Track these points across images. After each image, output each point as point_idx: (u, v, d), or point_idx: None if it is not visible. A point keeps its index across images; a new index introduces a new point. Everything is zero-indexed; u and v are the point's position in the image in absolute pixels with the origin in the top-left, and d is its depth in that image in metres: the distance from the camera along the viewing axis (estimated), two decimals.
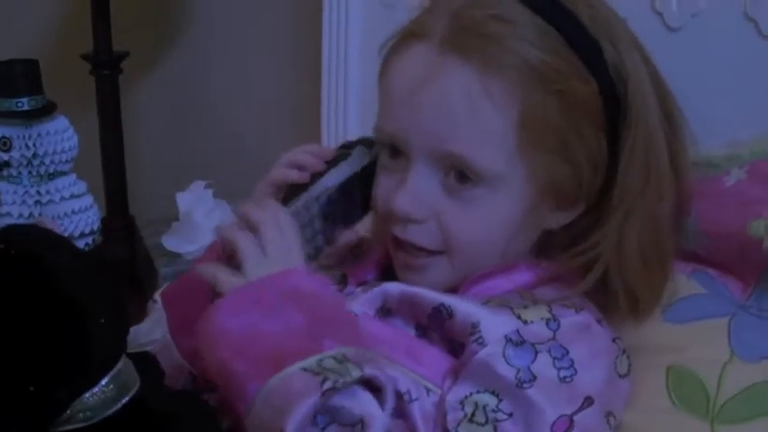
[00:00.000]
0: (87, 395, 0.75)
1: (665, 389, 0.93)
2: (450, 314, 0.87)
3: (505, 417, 0.82)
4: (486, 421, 0.82)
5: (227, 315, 0.81)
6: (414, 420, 0.84)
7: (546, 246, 0.94)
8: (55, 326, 0.72)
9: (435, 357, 0.87)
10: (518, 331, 0.85)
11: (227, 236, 0.87)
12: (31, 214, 1.61)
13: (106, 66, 1.75)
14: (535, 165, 0.88)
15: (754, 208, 0.96)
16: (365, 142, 0.98)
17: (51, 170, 1.63)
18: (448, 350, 0.87)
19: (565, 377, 0.84)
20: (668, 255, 0.93)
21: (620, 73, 0.89)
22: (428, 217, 0.89)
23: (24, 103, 1.59)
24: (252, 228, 0.86)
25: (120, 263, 1.76)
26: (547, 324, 0.86)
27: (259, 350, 0.80)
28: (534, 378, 0.82)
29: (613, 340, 0.90)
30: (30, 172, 1.62)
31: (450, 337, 0.87)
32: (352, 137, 1.09)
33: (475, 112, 0.85)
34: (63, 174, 1.65)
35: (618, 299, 0.91)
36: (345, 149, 0.98)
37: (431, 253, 0.91)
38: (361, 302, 0.91)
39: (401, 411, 0.84)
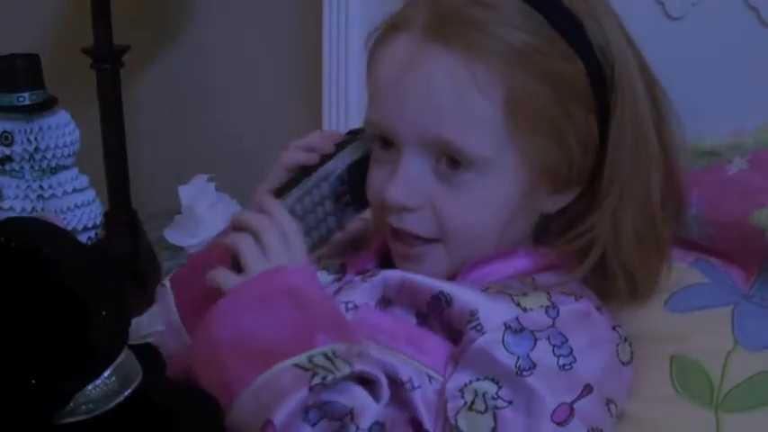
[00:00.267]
0: (90, 387, 0.75)
1: (668, 378, 0.93)
2: (449, 302, 0.87)
3: (505, 404, 0.82)
4: (486, 409, 0.82)
5: (223, 315, 0.83)
6: (416, 409, 0.84)
7: (543, 231, 0.94)
8: (56, 318, 0.72)
9: (436, 345, 0.87)
10: (517, 318, 0.85)
11: (231, 242, 0.88)
12: (33, 208, 1.61)
13: (107, 60, 1.75)
14: (526, 148, 0.88)
15: (756, 197, 0.96)
16: None
17: (53, 164, 1.63)
18: (448, 338, 0.88)
19: (564, 365, 0.84)
20: (663, 236, 0.93)
21: (605, 54, 0.89)
22: (422, 205, 0.90)
23: (26, 98, 1.59)
24: (253, 233, 0.87)
25: (123, 256, 1.76)
26: (546, 311, 0.86)
27: (251, 347, 0.81)
28: (534, 366, 0.83)
29: (613, 328, 0.90)
30: (32, 166, 1.62)
31: (450, 325, 0.87)
32: (353, 128, 1.09)
33: (461, 98, 0.86)
34: (65, 168, 1.65)
35: (616, 282, 0.91)
36: (354, 134, 0.98)
37: (427, 241, 0.91)
38: (361, 292, 0.91)
39: (403, 400, 0.84)
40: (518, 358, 0.83)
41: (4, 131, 1.59)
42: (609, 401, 0.87)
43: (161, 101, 2.00)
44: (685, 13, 1.13)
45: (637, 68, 0.91)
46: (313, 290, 0.86)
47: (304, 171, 0.95)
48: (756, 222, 0.95)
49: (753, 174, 0.99)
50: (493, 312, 0.85)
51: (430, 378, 0.85)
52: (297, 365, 0.79)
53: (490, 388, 0.83)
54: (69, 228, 1.59)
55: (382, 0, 1.40)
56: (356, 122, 1.46)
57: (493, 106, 0.86)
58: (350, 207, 0.97)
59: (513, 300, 0.86)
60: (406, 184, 0.89)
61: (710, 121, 1.02)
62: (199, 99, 1.96)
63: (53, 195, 1.63)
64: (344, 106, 1.50)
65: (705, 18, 1.12)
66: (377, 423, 0.79)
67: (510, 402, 0.82)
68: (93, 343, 0.74)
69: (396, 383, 0.84)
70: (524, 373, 0.82)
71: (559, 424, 0.82)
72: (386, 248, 0.96)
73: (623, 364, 0.90)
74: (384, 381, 0.82)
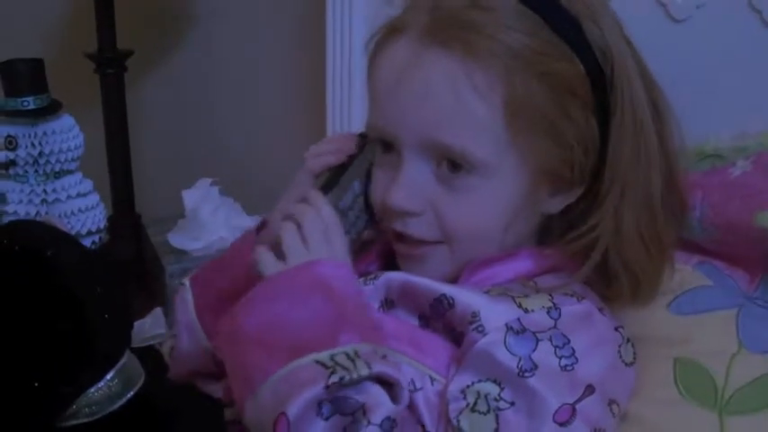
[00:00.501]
0: (92, 390, 0.75)
1: (672, 380, 0.93)
2: (451, 304, 0.87)
3: (507, 405, 0.82)
4: (488, 410, 0.82)
5: (255, 302, 0.83)
6: (418, 409, 0.84)
7: (545, 232, 0.94)
8: (58, 321, 0.72)
9: (439, 347, 0.87)
10: (519, 320, 0.85)
11: (277, 228, 0.89)
12: (37, 213, 1.61)
13: (111, 64, 1.75)
14: (526, 149, 0.87)
15: (760, 199, 0.96)
16: None
17: (57, 169, 1.63)
18: (451, 340, 0.87)
19: (566, 366, 0.84)
20: (665, 236, 0.93)
21: (604, 54, 0.89)
22: (424, 209, 0.90)
23: (30, 102, 1.59)
24: (297, 222, 0.88)
25: (126, 260, 1.77)
26: (548, 313, 0.86)
27: (277, 338, 0.81)
28: (536, 367, 0.82)
29: (616, 329, 0.90)
30: (36, 171, 1.62)
31: (452, 327, 0.87)
32: (357, 131, 1.09)
33: (460, 101, 0.86)
34: (69, 172, 1.65)
35: (619, 282, 0.91)
36: (364, 136, 0.98)
37: (431, 243, 0.91)
38: (365, 294, 0.91)
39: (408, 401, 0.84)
40: (520, 359, 0.83)
41: (9, 136, 1.60)
42: (611, 402, 0.87)
43: (165, 105, 2.01)
44: (689, 15, 1.13)
45: (636, 69, 0.91)
46: (346, 286, 0.85)
47: (338, 170, 0.96)
48: (760, 224, 0.94)
49: (756, 176, 0.98)
50: (494, 314, 0.85)
51: (432, 380, 0.85)
52: (318, 362, 0.79)
53: (492, 389, 0.82)
54: (73, 232, 1.60)
55: (385, 4, 1.41)
56: (359, 126, 1.46)
57: (492, 109, 0.86)
58: None
59: (514, 301, 0.86)
60: (407, 188, 0.89)
61: (714, 124, 1.02)
62: (202, 103, 1.97)
63: (57, 200, 1.63)
64: (348, 110, 1.50)
65: (708, 20, 1.12)
66: (388, 419, 0.79)
67: (512, 403, 0.82)
68: (96, 346, 0.74)
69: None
70: (526, 374, 0.82)
71: (562, 425, 0.82)
72: (389, 251, 0.96)
73: (626, 364, 0.90)
74: (405, 384, 0.82)
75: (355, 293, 0.86)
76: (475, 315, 0.85)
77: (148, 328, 1.08)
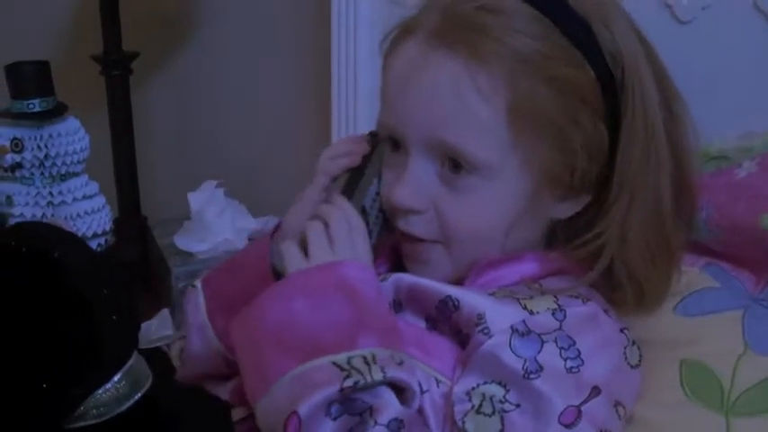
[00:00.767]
0: (100, 391, 0.75)
1: (678, 382, 0.93)
2: (457, 306, 0.87)
3: (513, 407, 0.82)
4: (494, 412, 0.82)
5: (275, 299, 0.84)
6: (424, 412, 0.84)
7: (552, 237, 0.94)
8: (66, 322, 0.73)
9: (445, 349, 0.87)
10: (524, 322, 0.85)
11: (304, 226, 0.89)
12: (43, 215, 1.61)
13: (116, 66, 1.75)
14: (529, 153, 0.88)
15: (765, 201, 0.96)
16: None
17: (63, 171, 1.63)
18: (457, 341, 0.88)
19: (571, 367, 0.84)
20: (673, 245, 0.92)
21: (615, 58, 0.89)
22: (427, 207, 0.90)
23: (35, 105, 1.59)
24: (324, 222, 0.88)
25: (132, 263, 1.77)
26: (553, 314, 0.86)
27: (294, 336, 0.81)
28: (541, 368, 0.82)
29: (621, 330, 0.90)
30: (42, 173, 1.62)
31: (458, 329, 0.87)
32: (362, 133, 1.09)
33: (463, 103, 0.86)
34: (75, 175, 1.65)
35: (623, 290, 0.91)
36: (374, 136, 0.99)
37: (429, 242, 0.92)
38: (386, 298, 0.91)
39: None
40: (525, 361, 0.83)
41: (15, 138, 1.60)
42: (617, 404, 0.87)
43: (170, 107, 2.01)
44: (694, 16, 1.12)
45: (649, 71, 0.91)
46: (368, 289, 0.85)
47: (355, 172, 0.96)
48: (766, 226, 0.94)
49: (762, 177, 0.98)
50: (500, 315, 0.85)
51: (437, 382, 0.86)
52: (335, 363, 0.79)
53: (497, 391, 0.83)
54: (79, 234, 1.60)
55: (389, 7, 1.41)
56: (364, 129, 1.46)
57: (495, 112, 0.86)
58: None
59: (520, 303, 0.86)
60: (412, 186, 0.90)
61: (719, 125, 1.01)
62: (208, 105, 1.96)
63: (63, 202, 1.63)
64: (353, 112, 1.50)
65: (714, 22, 1.12)
66: (395, 419, 0.79)
67: (517, 405, 0.82)
68: (104, 347, 0.74)
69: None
70: (531, 375, 0.82)
71: (567, 426, 0.82)
72: (397, 253, 0.97)
73: (631, 366, 0.90)
74: (417, 389, 0.82)
75: (377, 297, 0.86)
76: (480, 317, 0.85)
77: (155, 329, 1.08)
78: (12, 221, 1.57)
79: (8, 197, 1.62)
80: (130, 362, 0.77)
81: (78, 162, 1.64)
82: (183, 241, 1.69)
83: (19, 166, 1.60)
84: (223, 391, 0.95)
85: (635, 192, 0.89)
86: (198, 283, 1.02)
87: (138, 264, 1.79)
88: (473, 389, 0.83)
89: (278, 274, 0.93)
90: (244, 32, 1.87)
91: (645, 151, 0.89)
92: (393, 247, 0.97)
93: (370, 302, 0.84)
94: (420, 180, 0.90)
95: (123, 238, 1.77)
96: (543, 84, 0.86)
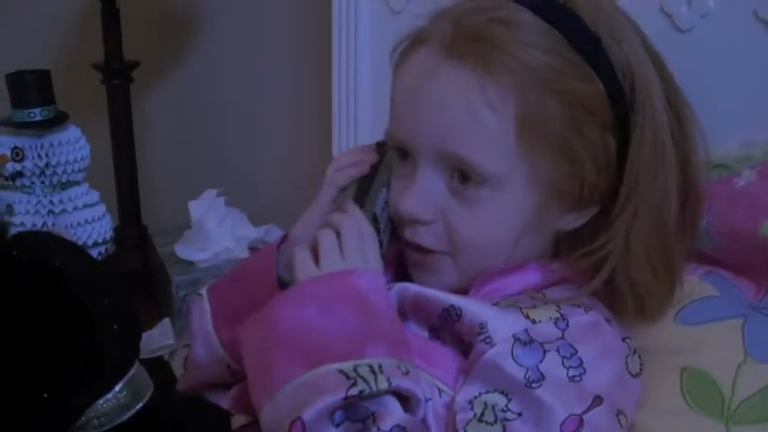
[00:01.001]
0: (101, 401, 0.75)
1: (679, 390, 0.93)
2: (459, 315, 0.87)
3: (515, 416, 0.82)
4: (496, 421, 0.82)
5: (285, 305, 0.84)
6: (426, 421, 0.84)
7: (556, 247, 0.94)
8: (67, 331, 0.73)
9: (447, 358, 0.88)
10: (526, 331, 0.85)
11: (315, 234, 0.90)
12: (44, 224, 1.62)
13: (117, 75, 1.76)
14: (537, 166, 0.88)
15: (765, 209, 0.96)
16: None
17: (64, 180, 1.64)
18: (459, 351, 0.88)
19: (574, 376, 0.84)
20: (676, 257, 0.93)
21: (624, 72, 0.89)
22: (435, 218, 0.91)
23: (36, 114, 1.60)
24: (336, 231, 0.88)
25: (133, 271, 1.77)
26: (555, 323, 0.86)
27: (303, 343, 0.81)
28: (543, 377, 0.82)
29: (623, 339, 0.90)
30: (42, 182, 1.63)
31: (460, 338, 0.87)
32: (363, 143, 1.09)
33: (473, 115, 0.86)
34: (76, 183, 1.66)
35: (624, 300, 0.91)
36: (381, 146, 0.99)
37: (437, 253, 0.92)
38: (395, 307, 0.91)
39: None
40: (527, 370, 0.83)
41: (15, 147, 1.60)
42: (619, 413, 0.87)
43: (171, 116, 2.01)
44: (694, 25, 1.12)
45: (659, 85, 0.91)
46: (378, 298, 0.85)
47: (363, 181, 0.96)
48: (766, 234, 0.94)
49: (762, 186, 0.98)
50: (502, 324, 0.85)
51: (440, 391, 0.86)
52: (341, 371, 0.79)
53: (500, 400, 0.83)
54: (80, 243, 1.60)
55: (390, 15, 1.42)
56: (366, 133, 1.47)
57: (504, 124, 0.86)
58: None
59: (522, 312, 0.86)
60: (420, 196, 0.90)
61: (719, 134, 1.01)
62: (208, 114, 1.97)
63: (64, 211, 1.63)
64: (354, 121, 1.50)
65: (714, 30, 1.11)
66: (398, 426, 0.79)
67: (519, 414, 0.82)
68: (105, 357, 0.74)
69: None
70: (533, 384, 0.82)
71: None
72: (401, 259, 0.97)
73: (632, 375, 0.90)
74: (422, 398, 0.82)
75: (387, 307, 0.86)
76: (482, 326, 0.85)
77: (157, 339, 1.08)
78: (12, 230, 1.58)
79: (9, 206, 1.62)
80: (132, 371, 0.77)
81: (79, 171, 1.65)
82: (184, 250, 1.69)
83: (20, 174, 1.61)
84: (225, 401, 0.95)
85: (641, 205, 0.89)
86: (203, 292, 1.02)
87: (138, 273, 1.79)
88: (475, 398, 0.83)
89: (285, 286, 0.93)
90: (244, 42, 1.88)
91: (653, 165, 0.89)
92: (397, 253, 0.97)
93: (380, 312, 0.84)
94: (428, 190, 0.90)
95: (124, 247, 1.78)
96: (552, 97, 0.86)
